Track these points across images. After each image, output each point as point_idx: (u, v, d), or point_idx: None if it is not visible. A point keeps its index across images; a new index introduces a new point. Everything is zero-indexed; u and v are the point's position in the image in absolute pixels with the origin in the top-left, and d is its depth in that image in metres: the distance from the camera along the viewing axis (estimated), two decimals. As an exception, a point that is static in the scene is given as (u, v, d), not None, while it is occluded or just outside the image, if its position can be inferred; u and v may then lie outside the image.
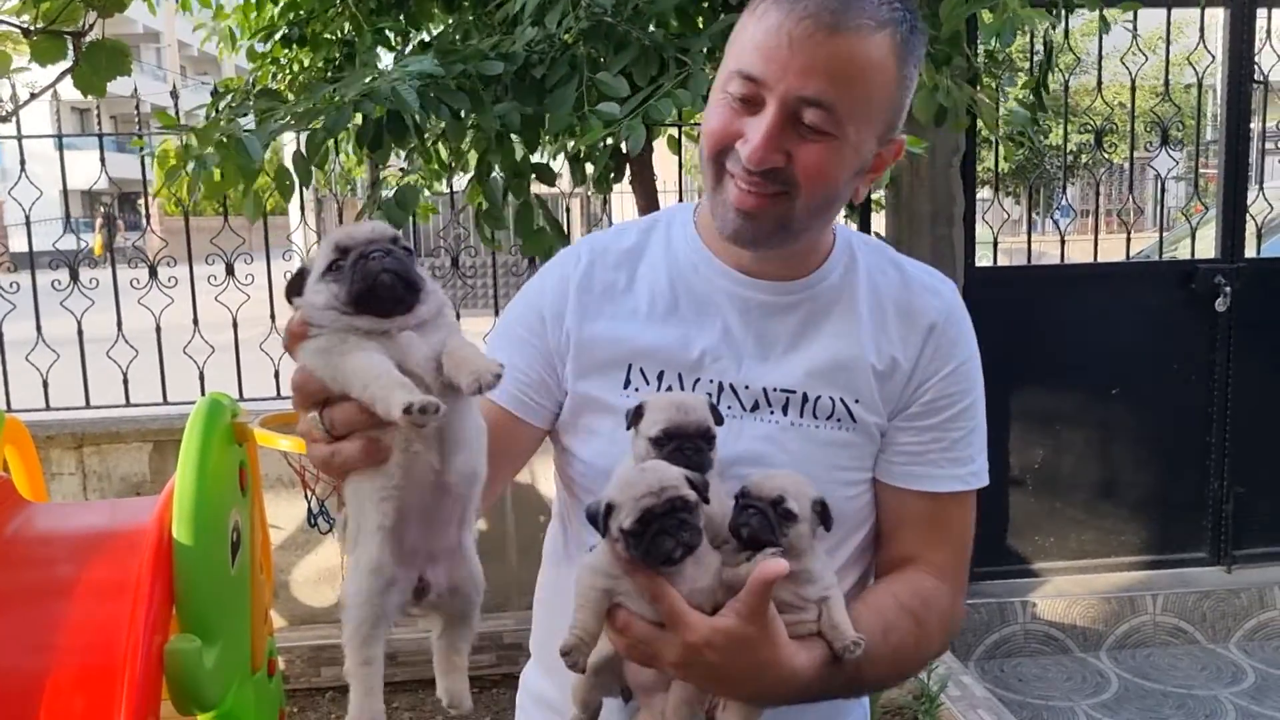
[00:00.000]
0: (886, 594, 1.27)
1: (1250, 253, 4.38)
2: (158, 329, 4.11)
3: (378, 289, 0.99)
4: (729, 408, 1.28)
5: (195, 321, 4.14)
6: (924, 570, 1.31)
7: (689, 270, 1.34)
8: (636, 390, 1.29)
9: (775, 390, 1.29)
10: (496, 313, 4.26)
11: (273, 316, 4.24)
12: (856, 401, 1.30)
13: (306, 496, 3.21)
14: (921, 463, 1.32)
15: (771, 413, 1.29)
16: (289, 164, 2.98)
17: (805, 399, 1.29)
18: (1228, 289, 4.23)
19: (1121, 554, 4.44)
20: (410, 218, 2.99)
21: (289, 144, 3.09)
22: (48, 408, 4.12)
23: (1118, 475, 4.40)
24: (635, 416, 1.21)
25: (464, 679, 1.12)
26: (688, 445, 1.16)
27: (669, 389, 1.29)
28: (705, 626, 1.07)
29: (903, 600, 1.26)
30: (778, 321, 1.32)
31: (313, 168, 2.71)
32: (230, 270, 4.18)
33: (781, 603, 1.13)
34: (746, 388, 1.29)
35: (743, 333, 1.31)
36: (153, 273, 4.21)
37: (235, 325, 4.11)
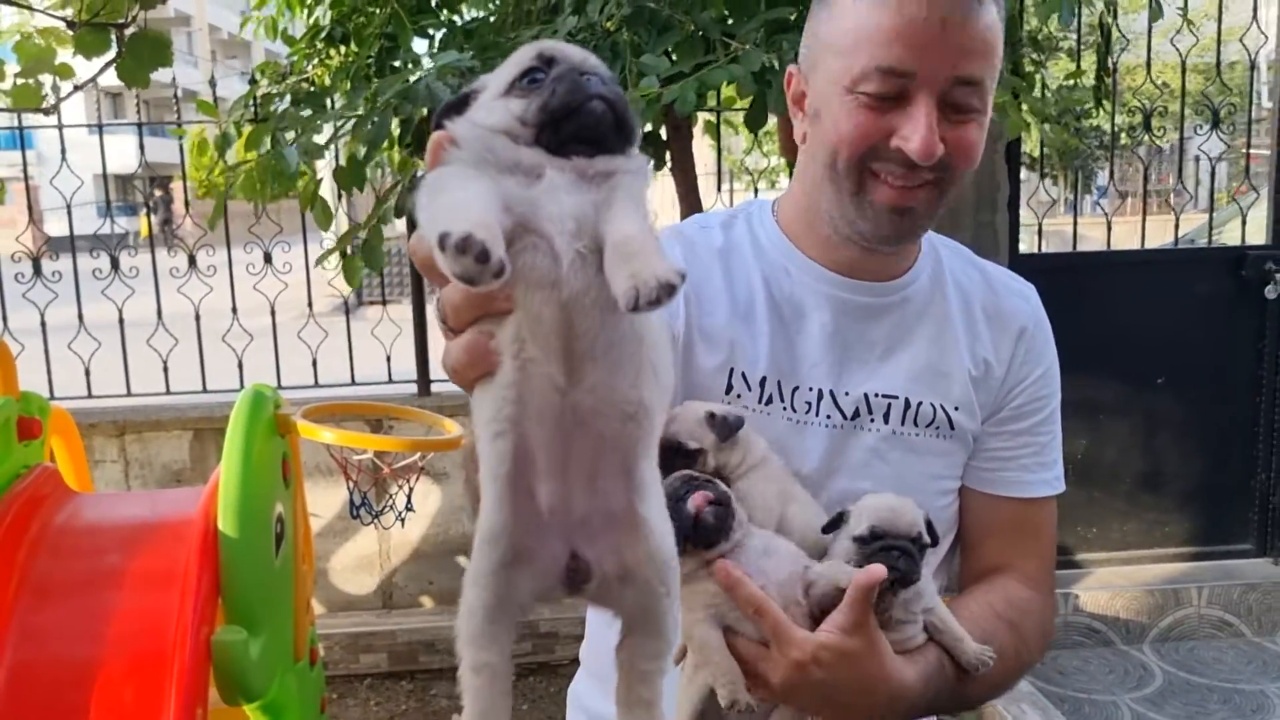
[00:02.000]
0: (982, 604, 1.24)
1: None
2: (197, 317, 4.13)
3: (584, 115, 0.71)
4: (828, 416, 1.24)
5: (234, 310, 4.15)
6: (1014, 579, 1.29)
7: (780, 271, 1.29)
8: (739, 397, 1.24)
9: (877, 396, 1.25)
10: (418, 299, 4.28)
11: (310, 304, 4.24)
12: (956, 409, 1.27)
13: (349, 488, 3.23)
14: (1013, 468, 1.31)
15: (872, 420, 1.25)
16: (325, 175, 3.01)
17: (907, 405, 1.26)
18: (1279, 275, 4.14)
19: (1166, 545, 4.37)
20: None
21: (325, 165, 3.12)
22: (89, 395, 4.15)
23: (1162, 465, 4.32)
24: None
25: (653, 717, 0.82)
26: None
27: (769, 399, 1.24)
28: (810, 642, 1.04)
29: (999, 610, 1.23)
30: (873, 325, 1.28)
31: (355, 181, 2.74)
32: (268, 259, 4.19)
33: (892, 620, 1.11)
34: (847, 394, 1.25)
35: (839, 336, 1.27)
36: (191, 261, 4.23)
37: (273, 313, 4.12)
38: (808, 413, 1.24)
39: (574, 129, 0.71)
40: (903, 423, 1.25)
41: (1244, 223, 4.35)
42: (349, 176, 2.98)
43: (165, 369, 4.14)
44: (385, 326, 4.27)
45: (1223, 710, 3.68)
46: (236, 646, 2.34)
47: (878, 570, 1.03)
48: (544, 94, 0.72)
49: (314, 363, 4.22)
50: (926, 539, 1.11)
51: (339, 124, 2.72)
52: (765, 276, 1.29)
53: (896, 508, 1.11)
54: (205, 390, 4.16)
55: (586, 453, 0.73)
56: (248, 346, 4.15)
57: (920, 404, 1.26)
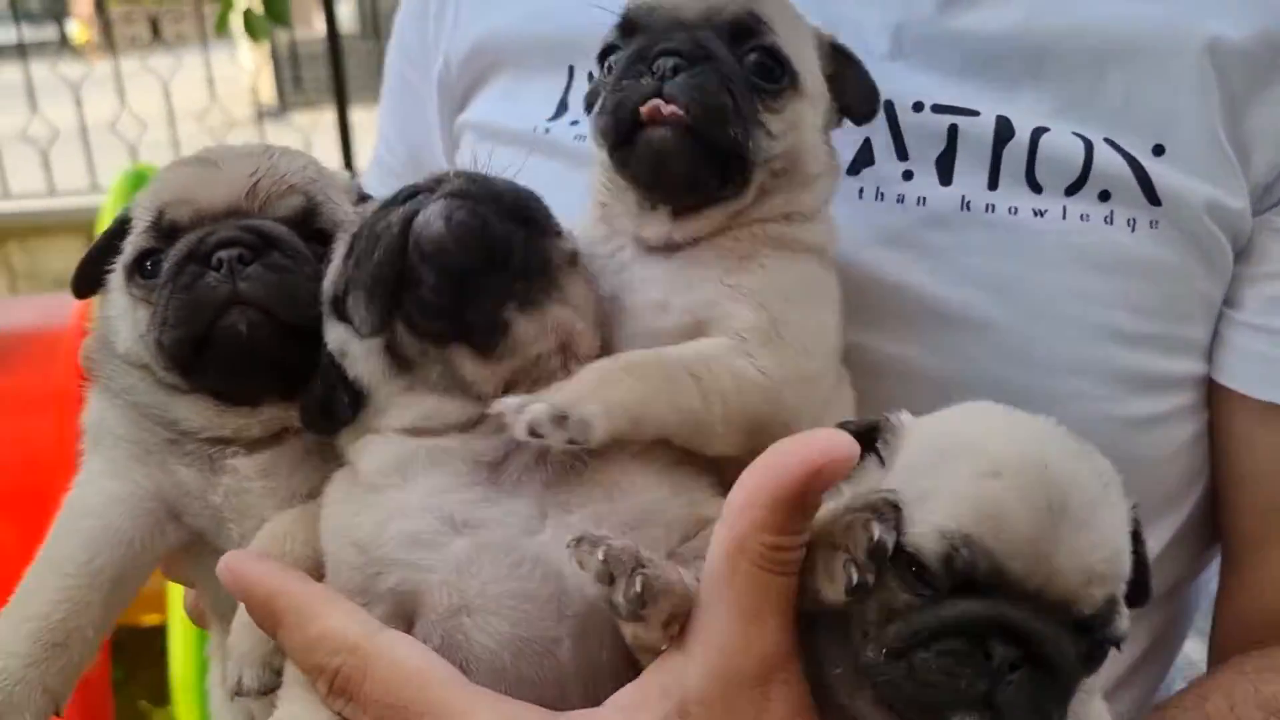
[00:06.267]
0: (1246, 690, 0.57)
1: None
2: (78, 103, 3.54)
3: (223, 352, 0.54)
4: None
5: (120, 91, 3.55)
6: None
7: None
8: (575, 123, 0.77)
9: (929, 109, 0.57)
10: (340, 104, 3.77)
11: (209, 81, 3.65)
12: (1159, 151, 0.52)
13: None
14: None
15: (911, 174, 0.55)
16: None
17: (1006, 133, 0.52)
18: None
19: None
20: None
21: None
22: (-42, 198, 3.61)
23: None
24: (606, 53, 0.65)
25: None
26: (667, 48, 0.58)
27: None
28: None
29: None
30: None
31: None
32: (155, 30, 3.59)
33: None
34: None
35: None
36: (63, 40, 3.63)
37: (168, 95, 3.56)
38: None
39: (223, 375, 0.62)
40: (995, 184, 0.53)
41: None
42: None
43: (46, 164, 3.58)
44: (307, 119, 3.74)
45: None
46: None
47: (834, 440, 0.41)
48: (158, 308, 0.62)
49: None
50: (1119, 625, 0.43)
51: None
52: None
53: (1041, 479, 0.42)
54: (95, 190, 3.62)
55: None
56: (142, 137, 3.60)
57: (1043, 132, 0.53)
